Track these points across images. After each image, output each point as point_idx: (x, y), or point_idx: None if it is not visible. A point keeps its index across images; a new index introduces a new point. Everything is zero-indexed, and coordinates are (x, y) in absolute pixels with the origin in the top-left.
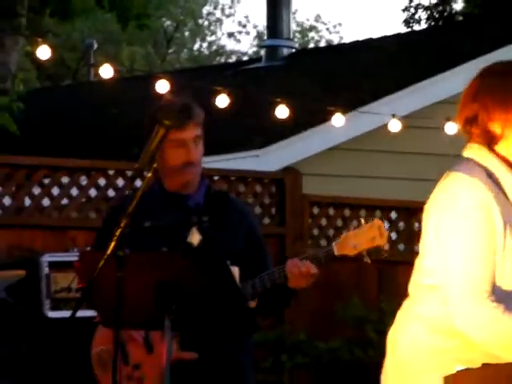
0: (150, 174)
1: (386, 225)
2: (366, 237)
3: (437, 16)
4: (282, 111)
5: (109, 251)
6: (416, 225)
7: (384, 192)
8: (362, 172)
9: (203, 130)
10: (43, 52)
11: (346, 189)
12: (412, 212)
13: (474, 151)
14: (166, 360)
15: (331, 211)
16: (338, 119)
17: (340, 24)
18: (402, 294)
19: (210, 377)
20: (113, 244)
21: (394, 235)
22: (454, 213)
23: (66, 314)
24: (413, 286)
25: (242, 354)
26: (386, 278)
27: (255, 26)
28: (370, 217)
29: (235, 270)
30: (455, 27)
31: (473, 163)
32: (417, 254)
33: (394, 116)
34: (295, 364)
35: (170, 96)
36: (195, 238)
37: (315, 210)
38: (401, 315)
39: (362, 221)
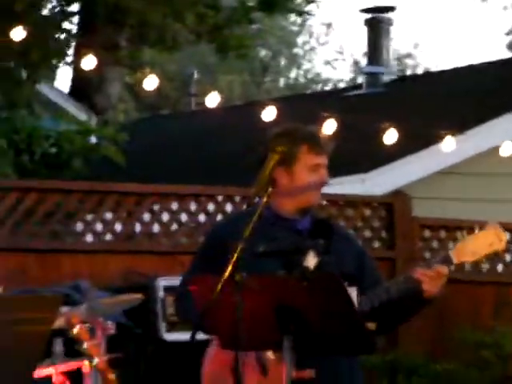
0: (266, 199)
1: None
2: (484, 242)
3: None
4: (390, 136)
5: (226, 275)
6: None
7: (494, 214)
8: (470, 195)
9: None
10: (149, 83)
11: (453, 212)
12: None
13: None
14: (287, 380)
15: (442, 234)
16: (447, 142)
17: (438, 50)
18: None
19: None
20: (230, 268)
21: (508, 256)
22: None
23: (182, 336)
24: None
25: (355, 379)
26: (502, 300)
27: (352, 55)
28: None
29: (353, 291)
30: None
31: None
32: None
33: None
34: None
35: (294, 124)
36: (311, 261)
37: (425, 233)
38: None
39: (477, 227)
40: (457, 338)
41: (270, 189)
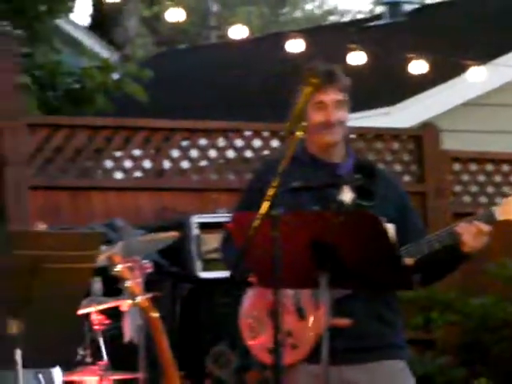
0: (300, 133)
1: None
2: None
3: None
4: (416, 66)
5: (263, 211)
6: None
7: None
8: (495, 127)
9: (348, 96)
10: (170, 15)
11: (482, 144)
12: None
13: None
14: (325, 318)
15: (473, 167)
16: (475, 73)
17: None
18: None
19: (363, 341)
20: (267, 204)
21: None
22: None
23: (218, 274)
24: None
25: (391, 314)
26: None
27: None
28: None
29: (390, 227)
30: None
31: None
32: None
33: None
34: (446, 321)
35: (316, 61)
36: (347, 195)
37: (455, 167)
38: None
39: None
40: (489, 272)
41: (303, 123)
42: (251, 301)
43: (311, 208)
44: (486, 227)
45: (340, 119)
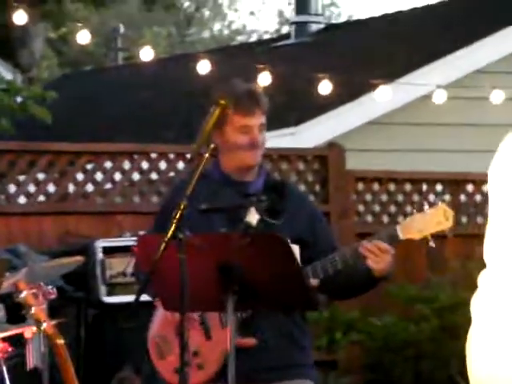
0: (207, 154)
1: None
2: (432, 221)
3: None
4: (322, 86)
5: (169, 234)
6: (462, 197)
7: (426, 165)
8: (399, 146)
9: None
10: (83, 37)
11: (384, 163)
12: (459, 184)
13: None
14: (231, 341)
15: (376, 186)
16: (381, 92)
17: None
18: (450, 268)
19: (270, 362)
20: (173, 227)
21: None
22: None
23: (123, 299)
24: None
25: (300, 334)
26: (434, 252)
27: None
28: (416, 191)
29: (295, 248)
30: None
31: None
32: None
33: (438, 87)
34: (349, 341)
35: (234, 80)
36: (253, 217)
37: (359, 186)
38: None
39: (426, 205)
40: (390, 293)
41: (211, 145)
42: (159, 320)
43: (218, 230)
44: (387, 246)
45: (263, 142)
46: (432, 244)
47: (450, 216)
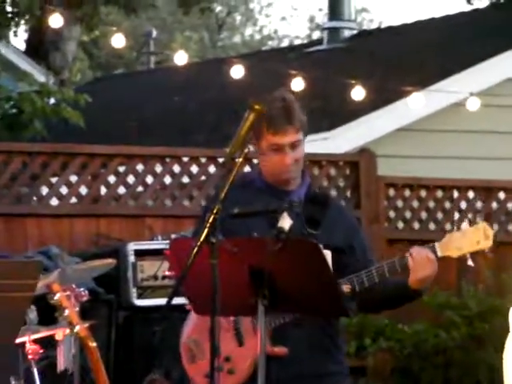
0: (241, 160)
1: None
2: (471, 239)
3: None
4: (354, 92)
5: (202, 238)
6: (494, 204)
7: (458, 172)
8: (430, 152)
9: (304, 133)
10: (117, 40)
11: (416, 170)
12: (490, 191)
13: None
14: (261, 344)
15: (407, 193)
16: (415, 98)
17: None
18: (482, 277)
19: (302, 370)
20: (206, 231)
21: (471, 215)
22: None
23: (154, 302)
24: None
25: (330, 343)
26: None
27: (308, 10)
28: (447, 198)
29: (327, 254)
30: None
31: None
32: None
33: (471, 94)
34: (378, 348)
35: (270, 95)
36: (286, 222)
37: (390, 192)
38: None
39: (467, 222)
40: (421, 300)
41: (246, 150)
42: (192, 324)
43: (250, 234)
44: (432, 255)
45: (296, 158)
46: (471, 263)
47: (489, 235)
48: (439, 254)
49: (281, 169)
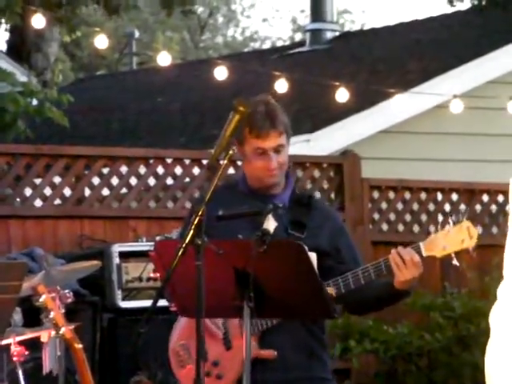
0: (225, 162)
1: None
2: (456, 238)
3: None
4: (337, 94)
5: (186, 240)
6: (478, 206)
7: (441, 174)
8: (418, 155)
9: (288, 137)
10: (100, 41)
11: (399, 172)
12: (474, 193)
13: None
14: (246, 346)
15: (391, 195)
16: (398, 100)
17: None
18: (466, 279)
19: (289, 374)
20: (191, 232)
21: (454, 217)
22: None
23: (138, 304)
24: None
25: (318, 346)
26: (449, 263)
27: (289, 11)
28: (431, 200)
29: (312, 256)
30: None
31: None
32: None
33: (455, 96)
34: (363, 350)
35: (253, 98)
36: (271, 224)
37: (375, 194)
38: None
39: (451, 222)
40: (406, 301)
41: (230, 152)
42: (181, 329)
43: (235, 236)
44: (416, 257)
45: (280, 162)
46: (455, 263)
47: (474, 234)
48: (424, 253)
49: (265, 173)
